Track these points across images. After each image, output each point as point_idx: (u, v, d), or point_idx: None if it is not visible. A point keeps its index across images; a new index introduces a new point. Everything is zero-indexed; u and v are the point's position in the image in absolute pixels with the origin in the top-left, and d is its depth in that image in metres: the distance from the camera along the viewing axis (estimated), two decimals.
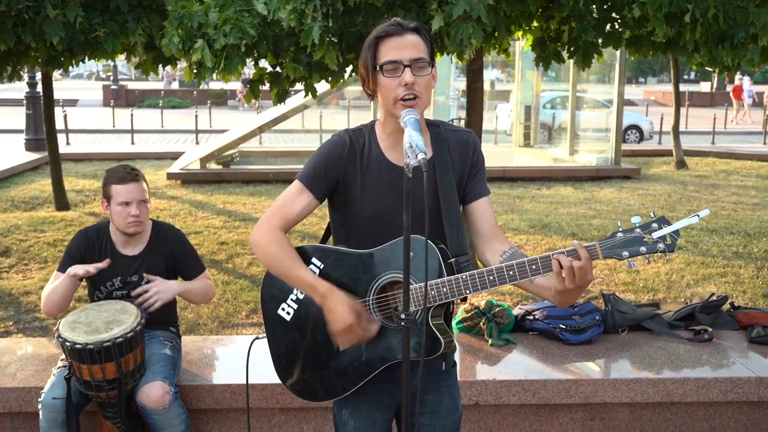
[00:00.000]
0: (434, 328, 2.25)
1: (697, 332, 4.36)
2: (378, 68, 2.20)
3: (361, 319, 2.25)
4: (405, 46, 2.19)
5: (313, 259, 2.35)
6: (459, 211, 2.36)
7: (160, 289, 3.47)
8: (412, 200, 2.02)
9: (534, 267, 2.15)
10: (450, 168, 2.34)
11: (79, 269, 3.38)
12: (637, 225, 2.12)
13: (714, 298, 4.76)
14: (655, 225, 2.11)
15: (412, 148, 2.00)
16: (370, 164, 2.31)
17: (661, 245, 2.09)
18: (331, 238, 2.51)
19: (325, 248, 2.37)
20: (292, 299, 2.39)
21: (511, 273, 2.16)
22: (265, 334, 2.48)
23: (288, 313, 2.40)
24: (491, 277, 2.18)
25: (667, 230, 2.09)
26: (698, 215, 2.07)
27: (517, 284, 2.22)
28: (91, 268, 3.38)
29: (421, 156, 1.96)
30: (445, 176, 2.33)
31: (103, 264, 3.42)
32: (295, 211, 2.33)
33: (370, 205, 2.31)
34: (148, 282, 3.49)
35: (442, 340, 2.26)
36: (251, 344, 2.80)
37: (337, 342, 2.30)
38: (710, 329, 4.37)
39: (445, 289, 2.21)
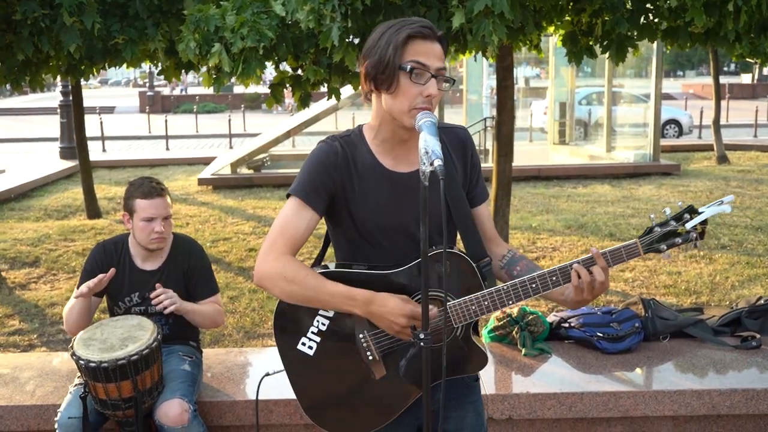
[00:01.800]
0: (477, 343, 2.19)
1: (744, 339, 4.16)
2: (404, 69, 2.01)
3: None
4: (434, 54, 2.04)
5: None
6: (471, 215, 2.23)
7: (174, 295, 3.34)
8: (424, 210, 1.86)
9: (554, 279, 2.12)
10: (454, 171, 2.19)
11: (83, 288, 3.26)
12: (670, 217, 2.13)
13: (762, 301, 4.56)
14: (687, 216, 2.12)
15: (428, 154, 1.84)
16: (365, 172, 2.15)
17: (693, 234, 2.12)
18: (330, 258, 2.34)
19: (340, 273, 2.17)
20: (312, 332, 2.20)
21: (534, 286, 2.13)
22: (275, 370, 2.33)
23: (310, 347, 2.22)
24: (531, 286, 2.13)
25: (697, 219, 2.11)
26: (722, 201, 2.10)
27: None
28: (92, 282, 3.25)
29: (437, 162, 1.80)
30: (451, 181, 2.17)
31: (107, 275, 3.30)
32: (300, 231, 2.12)
33: (371, 215, 2.14)
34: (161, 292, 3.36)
35: (487, 354, 2.22)
36: (260, 382, 2.65)
37: (402, 338, 2.12)
38: (758, 335, 4.16)
39: (486, 303, 2.12)
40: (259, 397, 3.58)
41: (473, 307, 2.10)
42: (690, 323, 4.29)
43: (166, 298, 3.28)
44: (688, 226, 2.11)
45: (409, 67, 2.01)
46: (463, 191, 2.23)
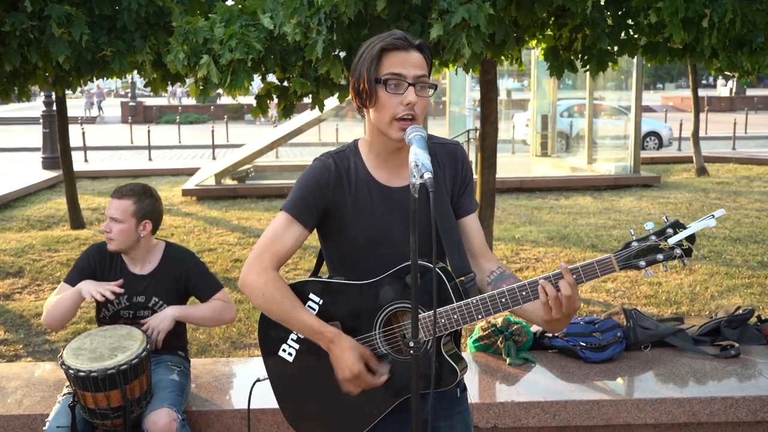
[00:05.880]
0: (448, 357, 2.15)
1: (723, 348, 4.23)
2: (380, 81, 2.06)
3: (370, 365, 2.14)
4: (410, 63, 2.06)
5: (311, 295, 2.22)
6: (457, 230, 2.23)
7: (153, 324, 3.40)
8: (413, 221, 1.90)
9: (524, 293, 2.06)
10: (442, 185, 2.21)
11: (94, 293, 3.30)
12: (651, 232, 2.02)
13: (740, 311, 4.63)
14: (669, 230, 2.00)
15: (417, 167, 1.88)
16: (359, 187, 2.18)
17: (678, 251, 1.99)
18: (324, 268, 2.38)
19: (322, 282, 2.24)
20: (293, 339, 2.26)
21: (503, 300, 2.08)
22: (266, 376, 2.36)
23: (290, 354, 2.28)
24: (500, 301, 2.08)
25: (682, 235, 1.98)
26: (713, 215, 1.95)
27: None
28: (107, 293, 3.31)
29: (427, 175, 1.84)
30: (439, 194, 2.18)
31: (117, 288, 3.35)
32: (286, 247, 2.19)
33: (364, 230, 2.18)
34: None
35: (458, 369, 2.16)
36: (252, 387, 2.68)
37: (344, 388, 2.18)
38: (737, 344, 4.23)
39: (456, 316, 2.10)
40: (245, 407, 3.62)
41: (442, 320, 2.10)
42: (671, 333, 4.36)
43: (151, 332, 3.36)
44: (671, 241, 1.98)
45: (383, 79, 2.05)
46: (451, 204, 2.24)
